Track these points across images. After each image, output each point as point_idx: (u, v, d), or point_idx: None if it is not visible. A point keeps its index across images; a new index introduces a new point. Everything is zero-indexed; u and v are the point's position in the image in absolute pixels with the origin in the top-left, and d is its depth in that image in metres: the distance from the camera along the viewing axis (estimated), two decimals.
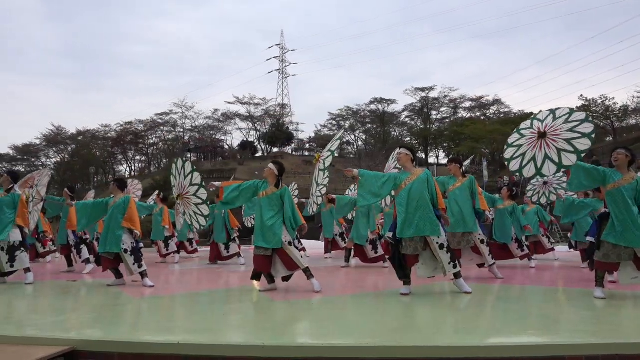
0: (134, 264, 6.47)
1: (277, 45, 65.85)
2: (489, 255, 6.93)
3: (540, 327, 3.84)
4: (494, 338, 3.46)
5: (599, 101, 46.83)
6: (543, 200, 9.72)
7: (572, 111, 5.59)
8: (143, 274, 6.50)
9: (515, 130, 5.94)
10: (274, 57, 65.90)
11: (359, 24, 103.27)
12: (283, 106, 64.48)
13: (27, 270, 6.96)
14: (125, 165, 66.82)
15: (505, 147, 5.93)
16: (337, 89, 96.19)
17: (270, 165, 5.96)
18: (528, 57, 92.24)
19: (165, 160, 63.83)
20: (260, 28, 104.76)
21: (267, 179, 5.91)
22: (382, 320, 4.16)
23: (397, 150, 5.99)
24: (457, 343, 3.18)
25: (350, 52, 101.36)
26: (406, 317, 4.34)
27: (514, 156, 5.67)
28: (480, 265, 7.37)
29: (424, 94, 60.58)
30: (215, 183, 6.24)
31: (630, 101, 47.10)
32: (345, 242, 10.90)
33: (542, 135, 5.46)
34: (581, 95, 49.22)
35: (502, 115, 58.13)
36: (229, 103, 60.99)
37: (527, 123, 5.84)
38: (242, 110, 61.13)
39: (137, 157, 66.96)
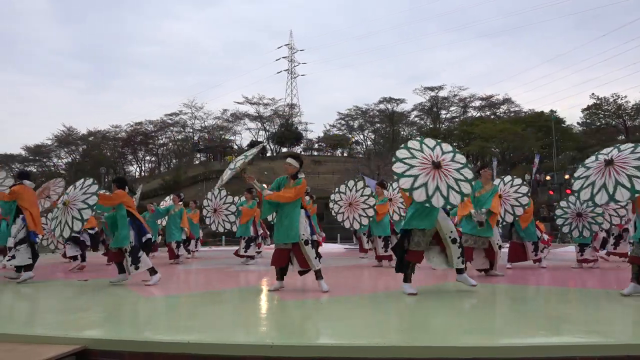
0: (130, 265, 6.52)
1: (286, 45, 66.10)
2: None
3: (551, 327, 3.80)
4: (504, 338, 3.44)
5: (611, 99, 46.36)
6: (575, 234, 8.34)
7: (637, 145, 5.57)
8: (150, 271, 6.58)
9: (580, 165, 5.98)
10: (283, 57, 66.14)
11: (366, 24, 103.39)
12: (292, 106, 64.65)
13: (27, 268, 6.97)
14: (135, 166, 67.39)
15: (572, 180, 5.94)
16: (346, 88, 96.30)
17: (290, 160, 5.89)
18: (537, 56, 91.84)
19: (175, 161, 64.18)
20: (266, 28, 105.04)
21: (286, 174, 5.88)
22: (392, 320, 4.15)
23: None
24: (468, 343, 3.16)
25: (358, 51, 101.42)
26: (416, 317, 4.33)
27: (583, 186, 5.62)
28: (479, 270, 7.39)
29: (433, 93, 60.42)
30: (256, 184, 5.93)
31: None
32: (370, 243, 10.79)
33: (608, 162, 5.41)
34: (592, 94, 48.79)
35: (512, 114, 57.76)
36: (238, 103, 61.34)
37: (592, 158, 5.86)
38: (251, 110, 61.48)
39: (147, 158, 67.45)
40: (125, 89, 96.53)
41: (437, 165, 5.29)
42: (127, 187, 6.98)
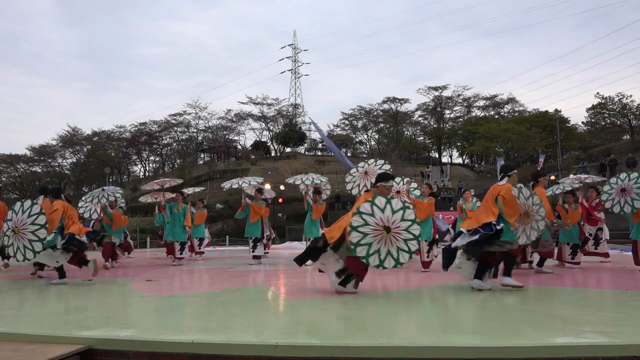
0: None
1: (289, 45, 66.14)
2: None
3: (556, 328, 3.78)
4: (510, 339, 3.42)
5: (616, 99, 46.09)
6: (617, 210, 8.16)
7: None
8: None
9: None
10: (287, 57, 66.17)
11: (370, 23, 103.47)
12: (296, 106, 64.58)
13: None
14: (139, 166, 67.54)
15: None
16: (350, 88, 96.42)
17: (391, 183, 5.91)
18: (540, 55, 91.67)
19: (179, 161, 64.29)
20: (270, 28, 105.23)
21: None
22: (396, 320, 4.14)
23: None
24: (474, 343, 3.15)
25: (362, 51, 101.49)
26: (420, 317, 4.32)
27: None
28: None
29: (437, 93, 60.34)
30: None
31: None
32: None
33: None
34: (597, 93, 48.58)
35: (516, 114, 57.59)
36: (242, 103, 61.45)
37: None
38: (255, 110, 61.43)
39: (152, 158, 67.55)
40: (129, 90, 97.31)
41: (387, 230, 5.38)
42: (62, 196, 7.29)
